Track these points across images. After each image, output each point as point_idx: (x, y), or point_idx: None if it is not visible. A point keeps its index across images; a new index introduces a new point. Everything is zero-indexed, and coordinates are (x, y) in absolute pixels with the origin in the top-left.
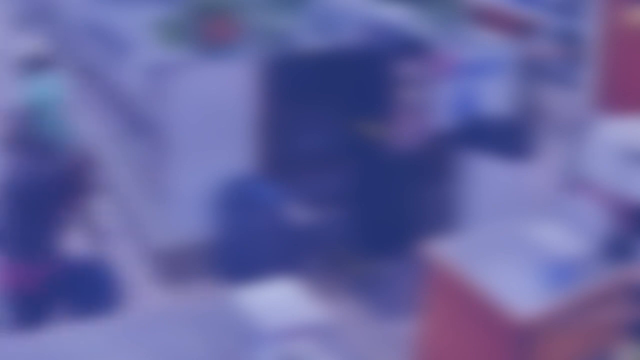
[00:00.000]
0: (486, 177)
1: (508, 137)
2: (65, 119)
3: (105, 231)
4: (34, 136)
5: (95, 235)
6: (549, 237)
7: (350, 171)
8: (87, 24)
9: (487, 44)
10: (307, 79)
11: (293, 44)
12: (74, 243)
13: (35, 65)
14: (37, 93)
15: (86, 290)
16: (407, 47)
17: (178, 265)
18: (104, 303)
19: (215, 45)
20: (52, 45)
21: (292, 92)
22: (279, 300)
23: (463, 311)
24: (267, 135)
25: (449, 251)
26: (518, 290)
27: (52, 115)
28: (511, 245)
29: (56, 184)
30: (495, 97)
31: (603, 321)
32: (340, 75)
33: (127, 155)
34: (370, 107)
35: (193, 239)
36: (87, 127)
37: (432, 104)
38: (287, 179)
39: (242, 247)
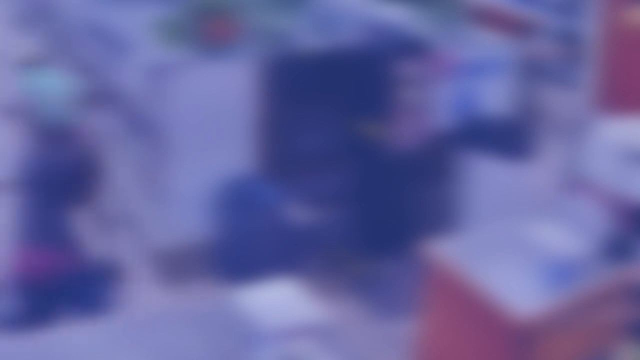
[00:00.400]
0: (486, 177)
1: (508, 137)
2: (73, 109)
3: (113, 222)
4: (43, 125)
5: (103, 226)
6: (549, 237)
7: (350, 171)
8: (87, 24)
9: (487, 44)
10: (307, 79)
11: (293, 44)
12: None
13: (32, 64)
14: (40, 85)
15: (92, 288)
16: (407, 47)
17: (178, 265)
18: (106, 302)
19: (215, 45)
20: (50, 44)
21: (292, 92)
22: (279, 300)
23: (463, 311)
24: (267, 135)
25: (449, 251)
26: (518, 290)
27: (59, 105)
28: (511, 245)
29: (70, 170)
30: (495, 97)
31: (603, 321)
32: (340, 76)
33: (127, 155)
34: (370, 107)
35: (193, 239)
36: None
37: (432, 104)
38: (287, 179)
39: (242, 247)
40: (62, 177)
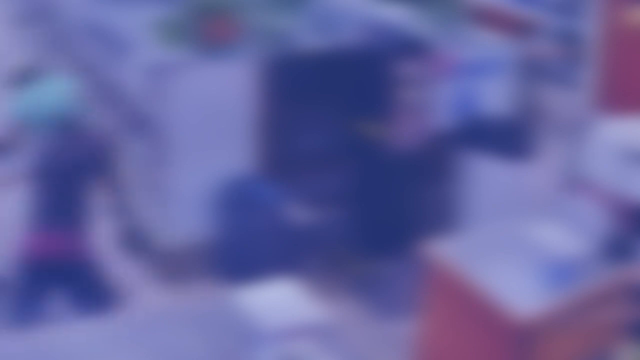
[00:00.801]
0: (486, 177)
1: (508, 137)
2: (77, 110)
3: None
4: (49, 131)
5: (123, 210)
6: (549, 237)
7: (350, 171)
8: (87, 24)
9: (487, 44)
10: (307, 79)
11: (293, 44)
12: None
13: (26, 79)
14: (38, 98)
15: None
16: (407, 47)
17: (178, 265)
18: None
19: (215, 45)
20: (50, 45)
21: (292, 92)
22: (279, 300)
23: (463, 311)
24: (267, 135)
25: (449, 251)
26: (518, 290)
27: (62, 111)
28: (511, 245)
29: (83, 160)
30: (495, 97)
31: (603, 321)
32: (340, 75)
33: (127, 155)
34: (370, 107)
35: (193, 239)
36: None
37: (432, 104)
38: (287, 179)
39: (242, 247)
40: (74, 168)
